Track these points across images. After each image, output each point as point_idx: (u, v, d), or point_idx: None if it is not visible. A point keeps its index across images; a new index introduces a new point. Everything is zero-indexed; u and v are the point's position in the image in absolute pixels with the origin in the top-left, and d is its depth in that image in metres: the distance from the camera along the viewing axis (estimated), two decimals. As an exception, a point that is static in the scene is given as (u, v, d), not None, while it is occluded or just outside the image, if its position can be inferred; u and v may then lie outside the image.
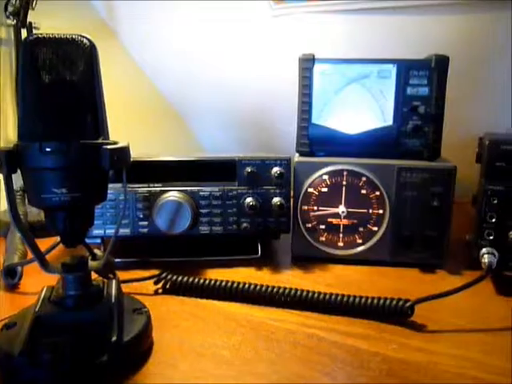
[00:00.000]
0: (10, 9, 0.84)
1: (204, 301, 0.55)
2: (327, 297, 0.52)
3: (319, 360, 0.43)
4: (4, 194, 0.41)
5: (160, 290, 0.57)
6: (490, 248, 0.57)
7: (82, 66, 0.40)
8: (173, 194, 0.64)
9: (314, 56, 0.66)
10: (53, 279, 0.46)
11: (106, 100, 0.43)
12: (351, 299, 0.51)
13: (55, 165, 0.39)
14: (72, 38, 0.40)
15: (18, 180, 0.42)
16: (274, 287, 0.54)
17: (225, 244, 0.70)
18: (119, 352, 0.40)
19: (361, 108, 0.67)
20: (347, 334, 0.47)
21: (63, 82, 0.40)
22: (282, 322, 0.50)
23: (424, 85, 0.64)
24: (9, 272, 0.57)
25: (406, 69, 0.65)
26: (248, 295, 0.54)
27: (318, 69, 0.66)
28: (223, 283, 0.55)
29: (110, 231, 0.64)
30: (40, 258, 0.43)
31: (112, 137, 0.44)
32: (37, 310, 0.42)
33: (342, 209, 0.65)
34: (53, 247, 0.54)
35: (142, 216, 0.65)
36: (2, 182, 0.40)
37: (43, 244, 0.45)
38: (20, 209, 0.70)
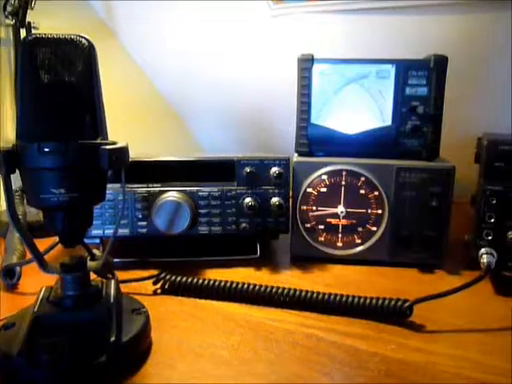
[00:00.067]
0: (9, 8, 0.84)
1: (203, 301, 0.55)
2: (326, 297, 0.52)
3: (318, 360, 0.43)
4: (3, 194, 0.41)
5: (159, 290, 0.57)
6: (489, 248, 0.57)
7: (80, 66, 0.40)
8: (172, 194, 0.64)
9: (312, 56, 0.66)
10: (51, 279, 0.46)
11: (105, 100, 0.43)
12: (350, 299, 0.51)
13: (53, 165, 0.39)
14: (71, 38, 0.40)
15: (16, 180, 0.42)
16: (272, 287, 0.54)
17: (224, 244, 0.70)
18: (118, 352, 0.40)
19: (360, 108, 0.67)
20: (346, 334, 0.48)
21: (62, 82, 0.40)
22: (280, 322, 0.50)
23: (423, 85, 0.64)
24: (7, 272, 0.57)
25: (404, 69, 0.65)
26: (247, 295, 0.54)
27: (316, 69, 0.66)
28: (222, 283, 0.55)
29: (109, 231, 0.64)
30: (39, 258, 0.43)
31: (111, 137, 0.44)
32: (35, 310, 0.42)
33: (340, 209, 0.65)
34: (51, 247, 0.54)
35: (140, 216, 0.65)
36: (1, 182, 0.40)
37: (42, 244, 0.45)
38: (19, 209, 0.70)
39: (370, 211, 0.65)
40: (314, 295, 0.52)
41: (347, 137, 0.67)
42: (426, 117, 0.65)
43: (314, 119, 0.67)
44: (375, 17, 0.97)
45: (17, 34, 0.85)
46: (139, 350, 0.43)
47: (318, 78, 0.66)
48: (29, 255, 0.43)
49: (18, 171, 0.41)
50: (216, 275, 0.59)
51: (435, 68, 0.64)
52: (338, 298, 0.52)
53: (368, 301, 0.51)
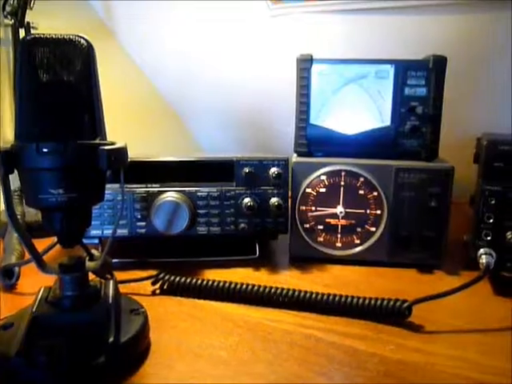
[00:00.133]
0: (8, 8, 0.84)
1: (201, 301, 0.55)
2: (325, 297, 0.52)
3: (317, 360, 0.43)
4: (1, 194, 0.41)
5: (157, 291, 0.57)
6: (488, 248, 0.57)
7: (79, 66, 0.40)
8: (170, 195, 0.64)
9: (311, 56, 0.66)
10: (50, 280, 0.46)
11: (104, 100, 0.42)
12: (349, 300, 0.51)
13: (52, 165, 0.39)
14: (69, 38, 0.40)
15: (15, 180, 0.42)
16: (271, 288, 0.54)
17: (222, 244, 0.70)
18: (116, 353, 0.40)
19: (359, 108, 0.67)
20: (345, 335, 0.47)
21: (60, 82, 0.40)
22: (279, 323, 0.50)
23: (422, 85, 0.64)
24: (6, 272, 0.57)
25: (403, 69, 0.65)
26: (246, 296, 0.54)
27: (315, 69, 0.66)
28: (221, 284, 0.55)
29: (108, 231, 0.64)
30: (37, 258, 0.43)
31: (110, 137, 0.43)
32: (34, 310, 0.42)
33: (339, 209, 0.65)
34: (50, 248, 0.54)
35: (139, 216, 0.64)
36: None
37: (40, 244, 0.45)
38: (17, 209, 0.69)
39: (369, 212, 0.65)
40: (313, 296, 0.52)
41: (346, 137, 0.67)
42: (425, 117, 0.65)
43: (313, 119, 0.67)
44: (374, 17, 0.97)
45: (16, 33, 0.85)
46: (138, 350, 0.43)
47: (317, 79, 0.66)
48: (27, 255, 0.43)
49: (16, 171, 0.40)
50: (215, 275, 0.59)
51: (434, 68, 0.64)
52: (336, 298, 0.52)
53: (367, 301, 0.51)
